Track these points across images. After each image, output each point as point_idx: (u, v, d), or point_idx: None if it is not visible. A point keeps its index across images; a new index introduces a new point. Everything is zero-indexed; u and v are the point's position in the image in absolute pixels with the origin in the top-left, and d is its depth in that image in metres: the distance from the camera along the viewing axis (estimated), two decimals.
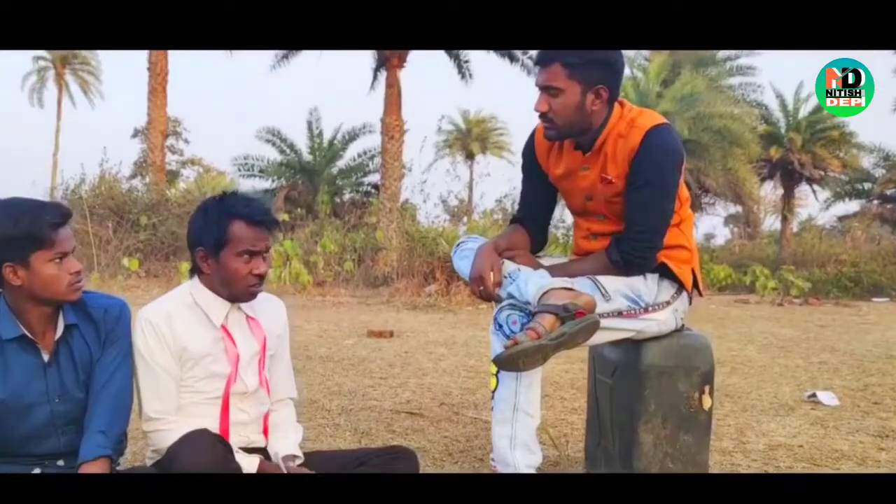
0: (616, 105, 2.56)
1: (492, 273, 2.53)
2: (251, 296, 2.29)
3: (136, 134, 31.74)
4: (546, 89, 2.50)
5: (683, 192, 2.64)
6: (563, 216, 16.51)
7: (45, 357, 2.12)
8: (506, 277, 2.54)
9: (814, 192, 29.60)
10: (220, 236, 2.20)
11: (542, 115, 2.53)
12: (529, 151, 2.77)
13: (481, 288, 2.55)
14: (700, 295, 2.72)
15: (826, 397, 4.64)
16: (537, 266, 2.61)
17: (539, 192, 2.82)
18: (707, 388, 2.66)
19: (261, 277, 2.25)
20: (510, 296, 2.50)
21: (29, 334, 2.09)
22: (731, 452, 3.50)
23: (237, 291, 2.26)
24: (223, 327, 2.28)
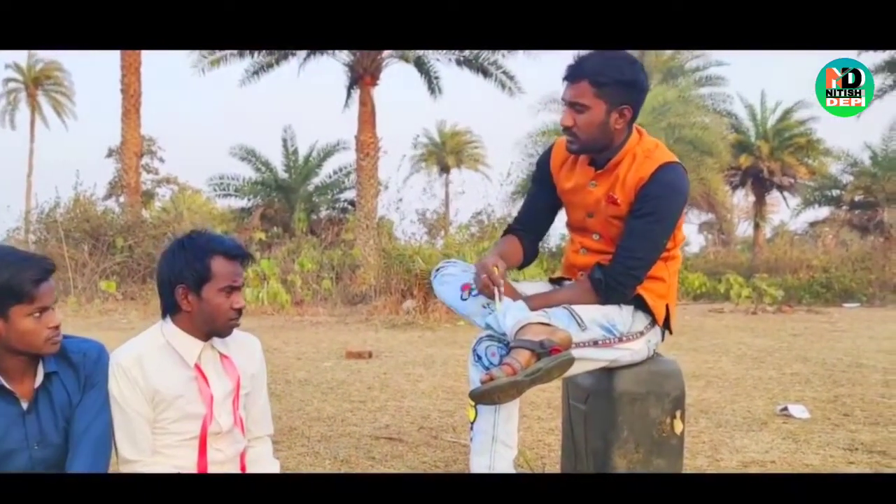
0: (635, 131, 2.63)
1: (496, 267, 2.52)
2: (231, 329, 2.32)
3: (110, 154, 31.59)
4: (572, 105, 2.55)
5: (680, 233, 2.71)
6: None
7: (24, 405, 2.13)
8: (484, 307, 2.60)
9: (784, 198, 30.04)
10: (203, 272, 2.24)
11: (567, 129, 2.58)
12: (545, 161, 2.82)
13: (484, 276, 2.52)
14: (670, 333, 2.79)
15: (797, 410, 4.73)
16: (516, 296, 2.66)
17: (543, 204, 2.87)
18: (678, 413, 2.73)
19: (240, 312, 2.30)
20: (488, 326, 2.56)
21: (7, 384, 2.11)
22: (706, 470, 3.57)
23: (218, 326, 2.29)
24: (197, 366, 2.30)
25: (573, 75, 2.55)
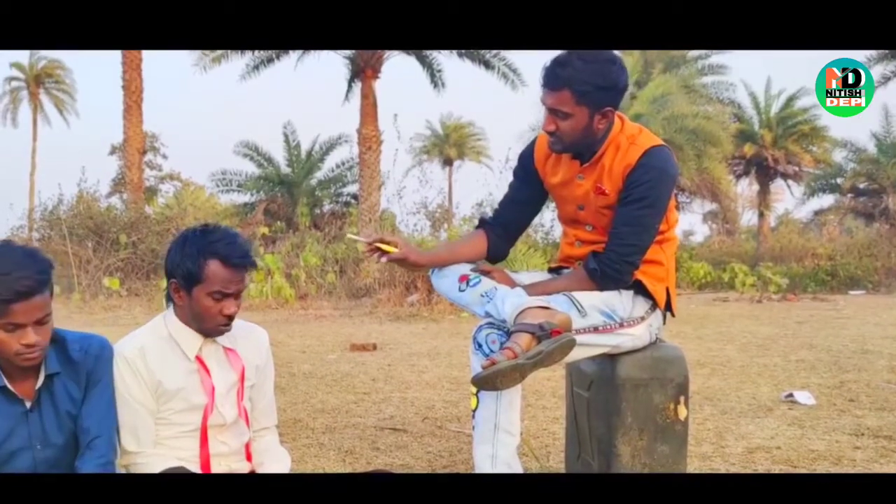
0: (616, 119, 2.60)
1: (388, 245, 2.64)
2: (219, 333, 2.28)
3: (113, 151, 31.61)
4: (554, 112, 2.52)
5: (673, 214, 2.69)
6: (541, 220, 16.62)
7: (28, 404, 2.11)
8: (482, 296, 2.59)
9: (788, 187, 29.92)
10: (195, 273, 2.18)
11: (550, 133, 2.56)
12: (528, 156, 2.80)
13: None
14: (673, 315, 2.78)
15: (803, 397, 4.72)
16: (513, 284, 2.65)
17: (522, 199, 2.85)
18: (682, 399, 2.71)
19: (230, 318, 2.24)
20: (488, 314, 2.55)
21: (8, 384, 2.08)
22: (711, 457, 3.56)
23: (206, 328, 2.26)
24: (198, 358, 2.28)
25: (553, 83, 2.50)
